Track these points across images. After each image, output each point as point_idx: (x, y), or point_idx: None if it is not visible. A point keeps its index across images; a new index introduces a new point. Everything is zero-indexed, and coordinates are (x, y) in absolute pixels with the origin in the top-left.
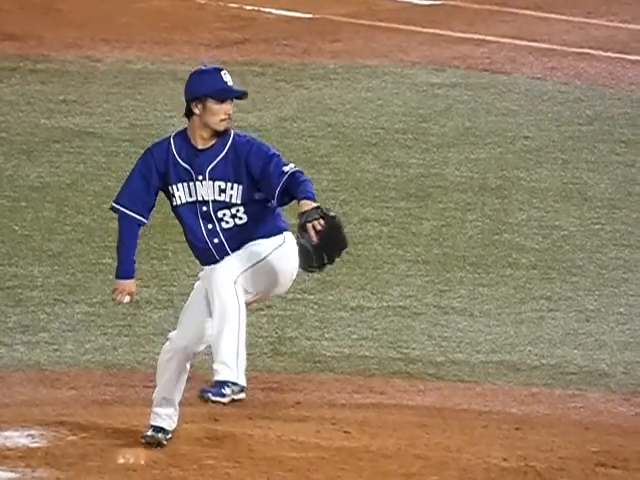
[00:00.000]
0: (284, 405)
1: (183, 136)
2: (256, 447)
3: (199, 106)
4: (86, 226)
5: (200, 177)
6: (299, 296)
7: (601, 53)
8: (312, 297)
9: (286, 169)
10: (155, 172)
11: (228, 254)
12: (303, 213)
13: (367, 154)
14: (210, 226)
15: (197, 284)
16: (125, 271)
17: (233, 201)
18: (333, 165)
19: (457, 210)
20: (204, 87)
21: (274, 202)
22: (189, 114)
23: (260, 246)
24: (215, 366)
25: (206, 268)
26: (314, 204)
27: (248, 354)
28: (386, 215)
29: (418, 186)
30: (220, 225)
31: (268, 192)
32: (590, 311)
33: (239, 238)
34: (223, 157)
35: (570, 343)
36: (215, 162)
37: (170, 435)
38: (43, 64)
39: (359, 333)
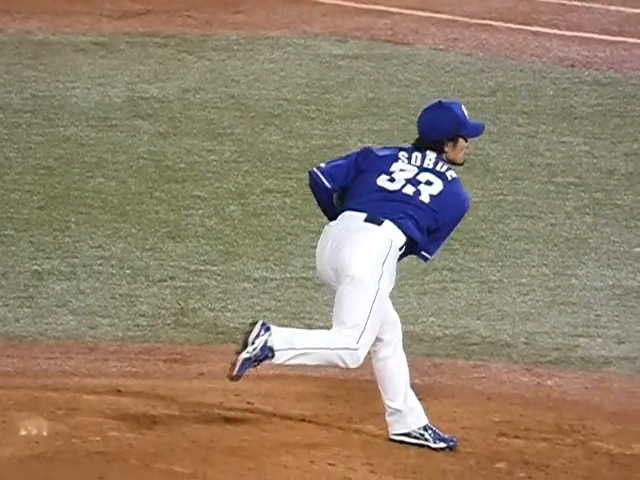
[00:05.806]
0: (187, 377)
1: None
2: (159, 419)
3: (450, 144)
4: None
5: None
6: (202, 267)
7: (502, 24)
8: (215, 268)
9: None
10: None
11: None
12: None
13: (270, 125)
14: None
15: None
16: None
17: None
18: (236, 136)
19: None
20: (467, 129)
21: None
22: (440, 149)
23: None
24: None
25: None
26: None
27: (150, 325)
28: (289, 186)
29: (321, 157)
30: None
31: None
32: (492, 282)
33: None
34: None
35: (473, 314)
36: None
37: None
38: None
39: (262, 304)
